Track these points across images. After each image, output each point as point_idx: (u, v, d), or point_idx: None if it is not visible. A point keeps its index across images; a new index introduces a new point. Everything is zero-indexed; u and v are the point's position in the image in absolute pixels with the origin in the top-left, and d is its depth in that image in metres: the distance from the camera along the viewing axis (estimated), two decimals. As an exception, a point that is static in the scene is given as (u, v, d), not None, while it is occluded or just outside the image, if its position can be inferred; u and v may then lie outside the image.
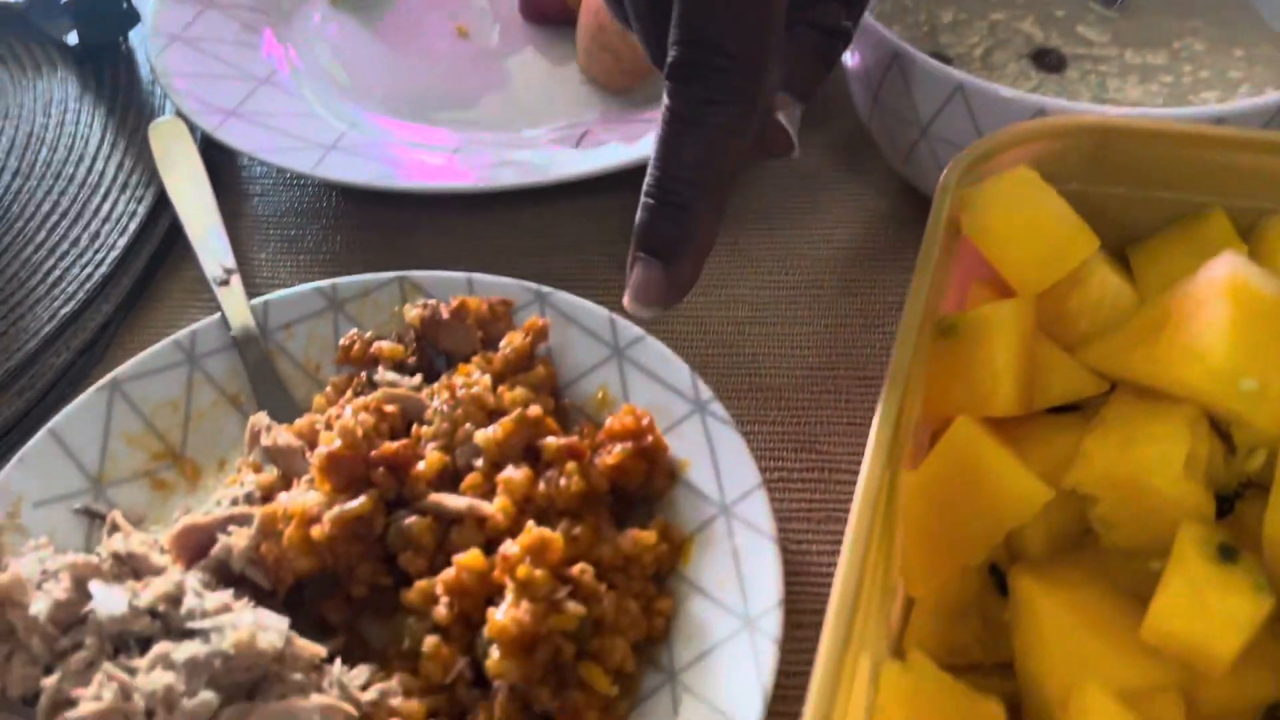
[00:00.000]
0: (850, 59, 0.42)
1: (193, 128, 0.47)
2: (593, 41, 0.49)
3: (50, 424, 0.36)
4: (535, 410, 0.34)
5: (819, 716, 0.22)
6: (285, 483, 0.34)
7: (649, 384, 0.36)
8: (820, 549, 0.35)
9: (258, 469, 0.35)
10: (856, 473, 0.26)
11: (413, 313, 0.38)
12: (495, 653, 0.29)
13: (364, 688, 0.29)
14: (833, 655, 0.23)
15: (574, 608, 0.29)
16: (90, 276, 0.43)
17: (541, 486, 0.33)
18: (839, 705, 0.23)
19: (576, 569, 0.30)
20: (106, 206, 0.46)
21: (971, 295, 0.33)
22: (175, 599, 0.30)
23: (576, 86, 0.51)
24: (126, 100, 0.51)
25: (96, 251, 0.44)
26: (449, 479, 0.34)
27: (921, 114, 0.38)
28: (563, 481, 0.32)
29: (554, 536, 0.30)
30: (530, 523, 0.31)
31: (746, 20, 0.28)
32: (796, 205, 0.45)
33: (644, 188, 0.29)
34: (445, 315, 0.38)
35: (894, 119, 0.40)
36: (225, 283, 0.41)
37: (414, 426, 0.35)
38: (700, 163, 0.28)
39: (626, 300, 0.29)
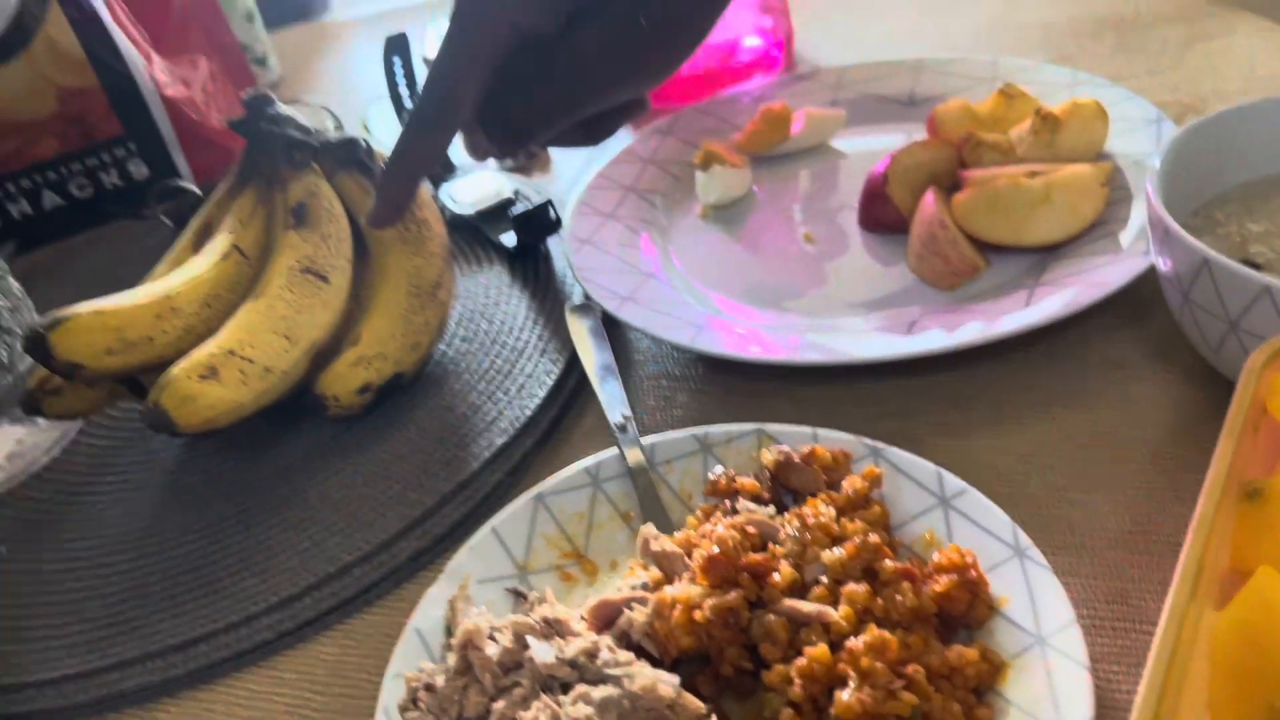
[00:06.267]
0: (1162, 265, 0.47)
1: (597, 308, 0.60)
2: (924, 248, 0.57)
3: (492, 522, 0.48)
4: (875, 538, 0.41)
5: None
6: (667, 581, 0.43)
7: (972, 529, 0.42)
8: (1129, 688, 0.38)
9: (645, 569, 0.44)
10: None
11: (769, 456, 0.47)
12: (841, 726, 0.35)
13: (733, 741, 0.36)
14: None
15: (908, 696, 0.35)
16: (517, 418, 0.56)
17: (879, 601, 0.39)
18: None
19: (910, 668, 0.36)
20: (529, 366, 0.59)
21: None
22: (592, 654, 0.39)
23: (904, 284, 0.60)
24: (546, 286, 0.66)
25: (522, 400, 0.57)
26: (798, 591, 0.42)
27: (1230, 312, 0.43)
28: (898, 598, 0.39)
29: (892, 638, 0.37)
30: (871, 625, 0.37)
31: (435, 82, 0.48)
32: (1110, 389, 0.50)
33: None
34: (796, 459, 0.46)
35: (1204, 315, 0.45)
36: (622, 428, 0.51)
37: (769, 545, 0.43)
38: (395, 150, 0.51)
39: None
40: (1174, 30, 0.78)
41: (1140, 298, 0.54)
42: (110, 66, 0.84)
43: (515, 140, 0.50)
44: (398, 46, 0.82)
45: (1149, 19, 0.81)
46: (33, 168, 0.86)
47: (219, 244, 0.59)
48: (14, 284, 0.63)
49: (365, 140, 0.62)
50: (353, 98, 1.03)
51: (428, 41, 1.04)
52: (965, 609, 0.40)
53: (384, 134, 0.90)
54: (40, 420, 0.63)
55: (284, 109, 0.62)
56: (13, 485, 0.62)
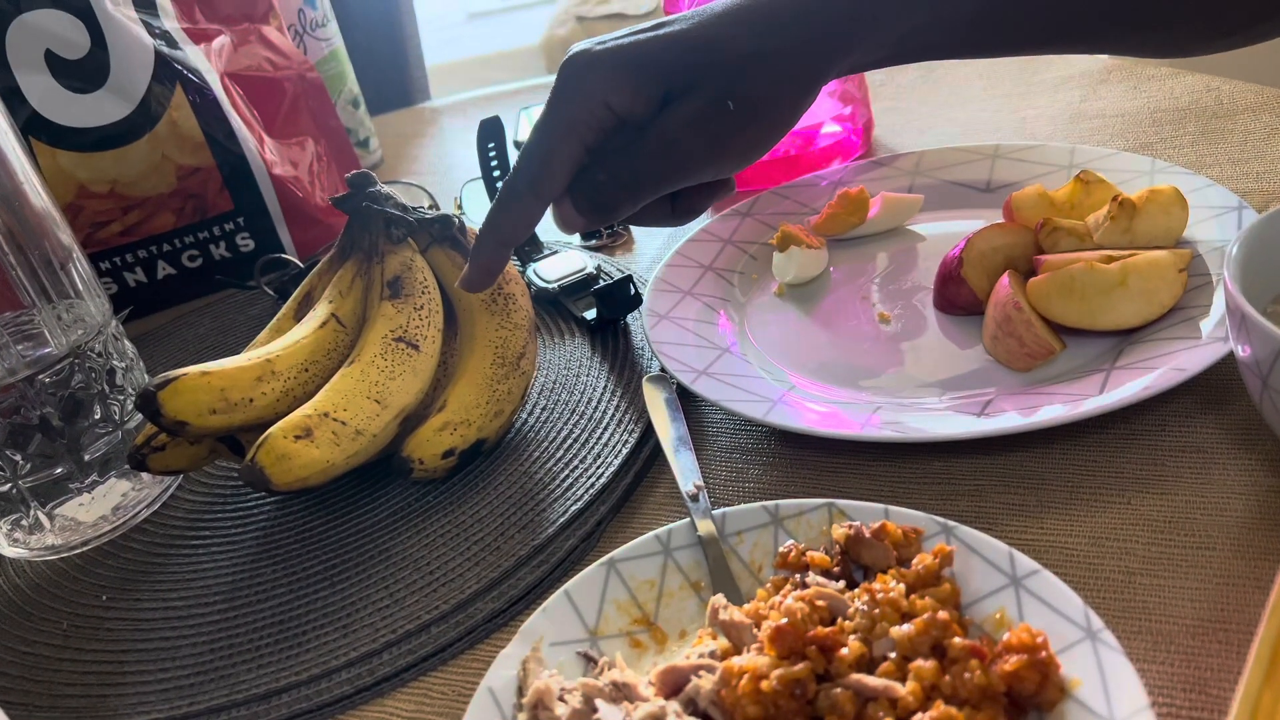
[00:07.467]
0: (1240, 351, 0.47)
1: (672, 381, 0.62)
2: (999, 329, 0.58)
3: (566, 586, 0.49)
4: (944, 615, 0.41)
5: None
6: (735, 651, 0.44)
7: (1043, 610, 0.42)
8: (1208, 780, 0.37)
9: (714, 638, 0.45)
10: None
11: (840, 531, 0.47)
12: (906, 799, 0.35)
13: (797, 811, 0.37)
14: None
15: (975, 774, 0.35)
16: (592, 485, 0.57)
17: (947, 678, 0.39)
18: None
19: (977, 746, 0.36)
20: (606, 436, 0.61)
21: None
22: (658, 719, 0.40)
23: (980, 365, 0.60)
24: (624, 360, 0.68)
25: (597, 468, 0.59)
26: (865, 666, 0.42)
27: (1311, 398, 0.43)
28: (966, 675, 0.39)
29: (959, 715, 0.37)
30: (939, 701, 0.37)
31: (530, 154, 0.53)
32: (1190, 475, 0.50)
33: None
34: (867, 534, 0.47)
35: (1284, 402, 0.45)
36: (695, 498, 0.53)
37: (838, 620, 0.44)
38: (488, 217, 0.55)
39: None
40: (1257, 120, 0.78)
41: (1219, 384, 0.54)
42: (225, 147, 0.91)
43: (604, 213, 0.53)
44: (491, 130, 0.86)
45: (1231, 109, 0.81)
46: (149, 239, 0.92)
47: (319, 313, 0.63)
48: (128, 346, 0.67)
49: (459, 218, 0.66)
50: (448, 178, 1.09)
51: (520, 126, 1.09)
52: (1035, 690, 0.39)
53: (477, 212, 0.94)
54: (144, 475, 0.66)
55: (384, 188, 0.66)
56: (116, 536, 0.65)
